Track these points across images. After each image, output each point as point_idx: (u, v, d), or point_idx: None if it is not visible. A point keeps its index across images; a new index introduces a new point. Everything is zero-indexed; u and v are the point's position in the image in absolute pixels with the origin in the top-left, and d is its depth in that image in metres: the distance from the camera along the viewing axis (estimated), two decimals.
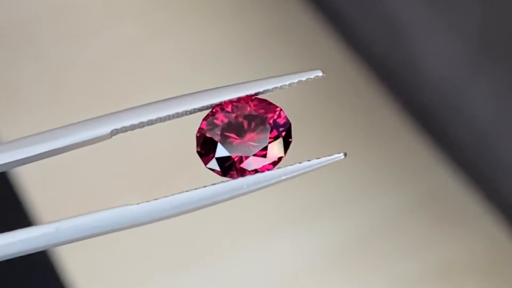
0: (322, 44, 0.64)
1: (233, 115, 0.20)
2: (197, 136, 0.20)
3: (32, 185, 0.54)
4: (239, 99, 0.20)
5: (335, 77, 0.62)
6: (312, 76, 0.20)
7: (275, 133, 0.20)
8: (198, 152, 0.20)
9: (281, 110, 0.20)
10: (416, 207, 0.55)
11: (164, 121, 0.20)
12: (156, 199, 0.19)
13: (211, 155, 0.20)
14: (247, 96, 0.20)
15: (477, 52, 0.52)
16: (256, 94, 0.20)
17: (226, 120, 0.20)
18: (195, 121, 0.21)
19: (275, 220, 0.54)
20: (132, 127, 0.20)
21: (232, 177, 0.20)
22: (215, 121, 0.20)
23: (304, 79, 0.20)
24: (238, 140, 0.20)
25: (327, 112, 0.60)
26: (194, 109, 0.20)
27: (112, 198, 0.54)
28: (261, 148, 0.20)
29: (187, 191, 0.19)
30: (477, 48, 0.52)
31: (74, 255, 0.51)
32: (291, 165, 0.20)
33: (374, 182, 0.56)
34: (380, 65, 0.62)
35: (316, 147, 0.55)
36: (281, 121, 0.20)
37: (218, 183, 0.20)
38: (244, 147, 0.20)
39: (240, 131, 0.20)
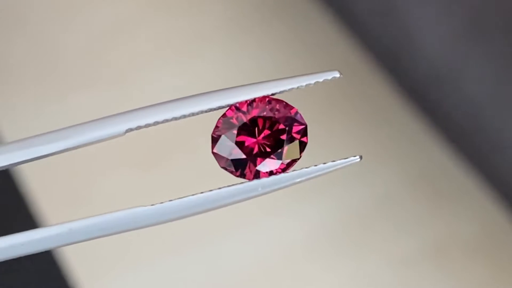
0: (315, 24, 0.64)
1: (249, 115, 0.20)
2: (212, 137, 0.20)
3: (34, 180, 0.53)
4: (255, 99, 0.20)
5: (331, 62, 0.62)
6: (330, 77, 0.20)
7: (290, 134, 0.20)
8: (213, 152, 0.20)
9: (297, 111, 0.20)
10: (412, 185, 0.55)
11: (178, 119, 0.19)
12: (171, 200, 0.19)
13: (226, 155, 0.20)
14: (263, 96, 0.20)
15: (474, 31, 0.52)
16: (273, 94, 0.20)
17: (242, 120, 0.20)
18: (211, 120, 0.20)
19: (272, 198, 0.54)
20: (147, 126, 0.19)
21: (246, 178, 0.20)
22: (230, 121, 0.20)
23: (321, 80, 0.20)
24: (254, 141, 0.20)
25: (321, 98, 0.60)
26: (210, 108, 0.20)
27: (118, 196, 0.53)
28: (276, 149, 0.20)
29: (201, 192, 0.19)
30: (474, 28, 0.52)
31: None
32: (306, 167, 0.20)
33: (370, 161, 0.56)
34: (375, 43, 0.62)
35: (312, 138, 0.55)
36: (297, 122, 0.20)
37: (233, 185, 0.19)
38: (259, 148, 0.20)
39: (255, 132, 0.20)
